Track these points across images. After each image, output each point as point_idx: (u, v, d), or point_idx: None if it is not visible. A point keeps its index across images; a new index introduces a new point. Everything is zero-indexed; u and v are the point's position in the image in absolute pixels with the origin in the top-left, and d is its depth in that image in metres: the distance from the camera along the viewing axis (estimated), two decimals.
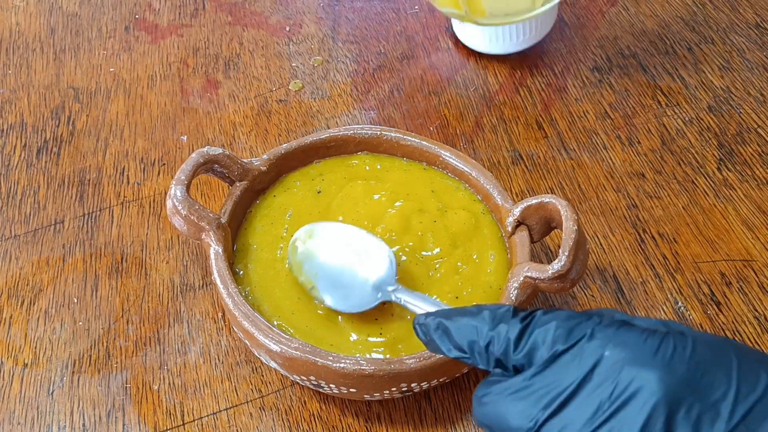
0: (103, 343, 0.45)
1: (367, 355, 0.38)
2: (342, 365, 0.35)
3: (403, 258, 0.42)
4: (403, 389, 0.37)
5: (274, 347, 0.36)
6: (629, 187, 0.52)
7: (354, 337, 0.39)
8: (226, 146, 0.55)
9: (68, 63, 0.61)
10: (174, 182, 0.40)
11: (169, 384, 0.43)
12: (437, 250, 0.42)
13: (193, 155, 0.41)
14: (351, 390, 0.37)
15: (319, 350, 0.36)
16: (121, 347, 0.44)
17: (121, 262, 0.48)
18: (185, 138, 0.56)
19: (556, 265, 0.37)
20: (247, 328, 0.37)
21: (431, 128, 0.57)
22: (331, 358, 0.36)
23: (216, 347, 0.44)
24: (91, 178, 0.53)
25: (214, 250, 0.40)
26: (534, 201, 0.41)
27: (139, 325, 0.45)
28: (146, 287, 0.47)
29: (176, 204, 0.40)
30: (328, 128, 0.56)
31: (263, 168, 0.44)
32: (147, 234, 0.50)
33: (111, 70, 0.61)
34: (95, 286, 0.47)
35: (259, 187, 0.45)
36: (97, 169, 0.54)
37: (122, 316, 0.46)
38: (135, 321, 0.45)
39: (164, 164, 0.54)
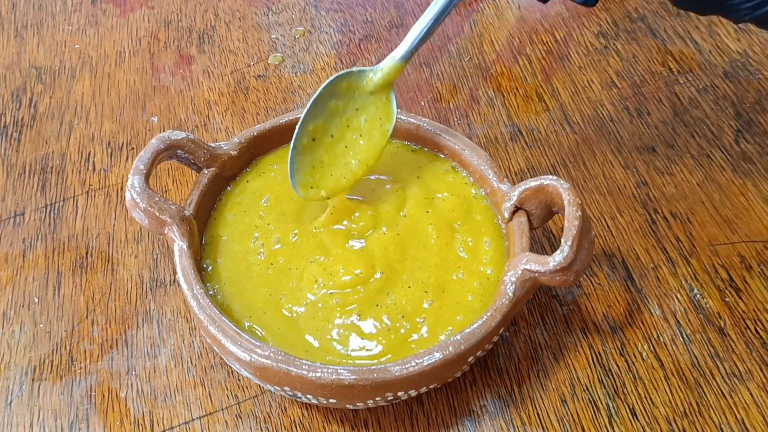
0: (65, 346, 0.41)
1: (348, 361, 0.34)
2: (318, 374, 0.32)
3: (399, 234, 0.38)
4: (389, 398, 0.33)
5: (244, 356, 0.32)
6: (638, 163, 0.48)
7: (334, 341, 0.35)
8: (200, 127, 0.51)
9: (30, 40, 0.57)
10: (132, 172, 0.36)
11: (138, 391, 0.39)
12: (434, 236, 0.38)
13: (153, 141, 0.37)
14: (331, 401, 0.33)
15: (293, 358, 0.32)
16: (85, 351, 0.41)
17: (86, 257, 0.44)
18: (156, 119, 0.51)
19: (558, 257, 0.33)
20: (214, 334, 0.33)
21: (422, 102, 0.52)
22: (306, 367, 0.32)
23: (188, 349, 0.41)
24: (54, 166, 0.49)
25: (178, 246, 0.36)
26: (533, 183, 0.37)
27: (105, 326, 0.42)
28: (113, 284, 0.43)
29: (134, 196, 0.36)
30: None
31: (233, 152, 0.40)
32: (114, 226, 0.46)
33: (76, 46, 0.56)
34: (58, 284, 0.43)
35: (229, 173, 0.41)
36: (61, 155, 0.50)
37: (87, 316, 0.42)
38: (101, 322, 0.42)
39: (133, 148, 0.50)
